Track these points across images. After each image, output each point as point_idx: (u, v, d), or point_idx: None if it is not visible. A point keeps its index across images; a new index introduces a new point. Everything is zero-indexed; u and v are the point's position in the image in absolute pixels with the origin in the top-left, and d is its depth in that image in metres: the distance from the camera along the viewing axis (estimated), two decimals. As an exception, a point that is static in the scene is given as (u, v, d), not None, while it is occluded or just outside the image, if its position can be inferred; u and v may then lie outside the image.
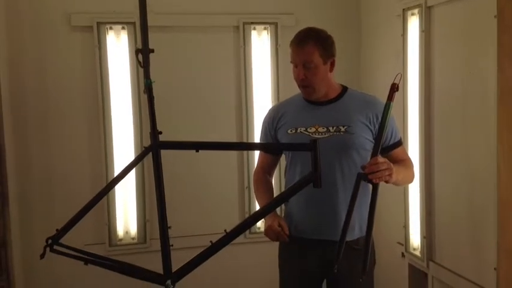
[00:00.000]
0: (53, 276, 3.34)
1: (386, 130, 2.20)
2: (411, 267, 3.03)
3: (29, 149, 3.27)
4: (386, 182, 2.04)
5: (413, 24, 2.90)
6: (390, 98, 1.98)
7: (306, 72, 2.24)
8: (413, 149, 2.93)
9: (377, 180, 1.98)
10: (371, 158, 2.01)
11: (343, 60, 3.42)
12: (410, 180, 2.39)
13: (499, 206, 2.15)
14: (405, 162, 2.34)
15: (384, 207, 3.23)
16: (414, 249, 2.98)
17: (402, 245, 3.08)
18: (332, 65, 2.30)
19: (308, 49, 2.23)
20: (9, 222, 2.99)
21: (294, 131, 2.30)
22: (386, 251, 3.30)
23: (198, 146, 2.00)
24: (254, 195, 2.60)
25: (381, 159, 2.01)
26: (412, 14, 2.91)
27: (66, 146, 3.33)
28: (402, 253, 3.09)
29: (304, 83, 2.26)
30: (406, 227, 3.03)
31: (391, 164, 2.04)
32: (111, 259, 2.06)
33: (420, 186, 2.88)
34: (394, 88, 1.97)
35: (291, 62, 2.30)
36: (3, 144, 2.96)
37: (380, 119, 2.10)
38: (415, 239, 2.97)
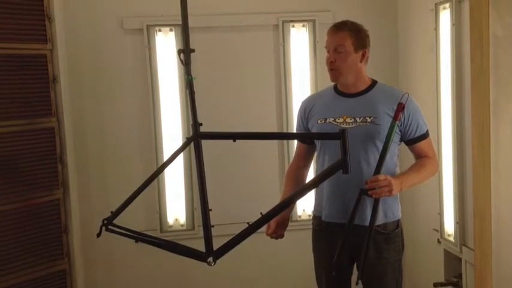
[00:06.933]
0: (108, 259, 3.59)
1: (411, 124, 2.35)
2: (446, 253, 3.10)
3: (87, 144, 3.49)
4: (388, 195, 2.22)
5: (445, 18, 2.97)
6: (396, 117, 2.18)
7: (336, 56, 2.36)
8: (446, 139, 3.01)
9: (376, 196, 2.17)
10: (373, 175, 2.19)
11: (381, 55, 3.55)
12: (428, 178, 2.45)
13: (474, 173, 2.45)
14: (423, 161, 2.41)
15: (421, 196, 3.34)
16: (448, 235, 3.05)
17: (438, 231, 3.15)
18: (363, 55, 2.40)
19: (341, 35, 2.37)
20: (70, 211, 3.20)
21: (323, 121, 2.41)
22: (424, 238, 3.39)
23: (235, 136, 2.16)
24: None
25: (381, 176, 2.17)
26: (444, 8, 2.98)
27: (120, 140, 3.52)
28: (438, 239, 3.17)
29: (332, 66, 2.37)
30: (440, 214, 3.11)
31: (391, 181, 2.19)
32: (158, 237, 2.25)
33: (453, 174, 2.95)
34: (400, 108, 2.16)
35: (325, 47, 2.43)
36: (65, 142, 3.17)
37: (404, 111, 2.23)
38: (449, 225, 3.04)
